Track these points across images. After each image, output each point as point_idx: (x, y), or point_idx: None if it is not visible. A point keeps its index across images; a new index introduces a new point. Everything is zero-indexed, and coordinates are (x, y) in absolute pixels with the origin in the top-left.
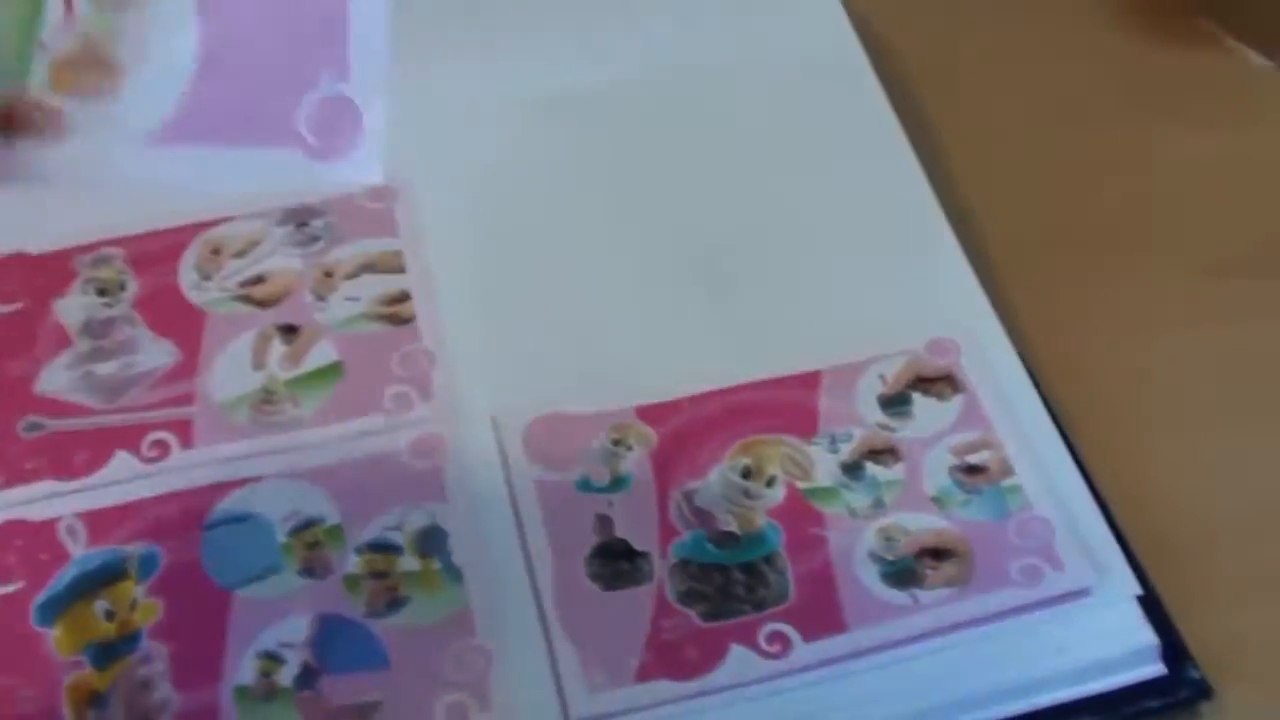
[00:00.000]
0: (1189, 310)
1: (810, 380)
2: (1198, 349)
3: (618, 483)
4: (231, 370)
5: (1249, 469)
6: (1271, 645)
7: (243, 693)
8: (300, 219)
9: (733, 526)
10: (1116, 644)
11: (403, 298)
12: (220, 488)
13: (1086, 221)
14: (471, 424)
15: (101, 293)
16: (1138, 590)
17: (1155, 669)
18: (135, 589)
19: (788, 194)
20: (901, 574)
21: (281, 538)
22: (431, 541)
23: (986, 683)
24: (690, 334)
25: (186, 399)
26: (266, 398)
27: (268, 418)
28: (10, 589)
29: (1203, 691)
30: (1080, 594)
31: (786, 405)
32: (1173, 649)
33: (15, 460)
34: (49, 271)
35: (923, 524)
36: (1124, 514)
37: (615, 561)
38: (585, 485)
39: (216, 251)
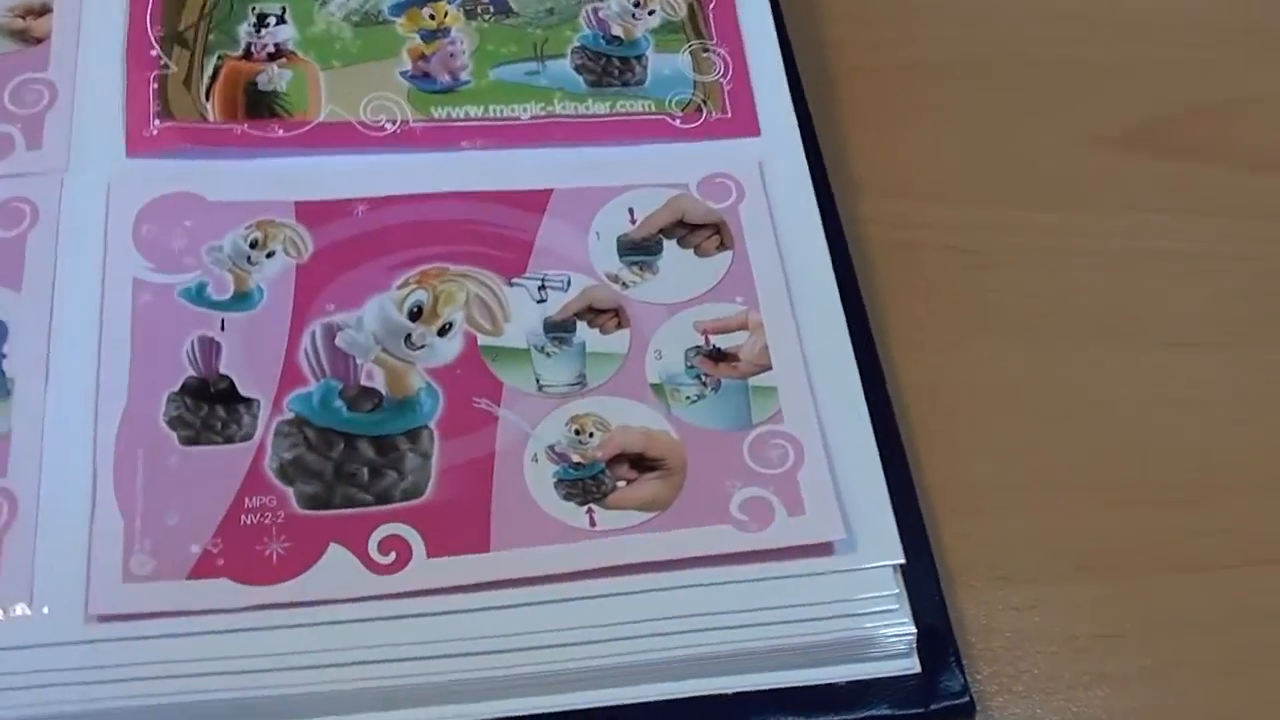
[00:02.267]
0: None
1: (533, 200)
2: None
3: (241, 299)
4: None
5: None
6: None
7: None
8: None
9: (378, 383)
10: (858, 625)
11: (42, 10)
12: None
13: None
14: (79, 192)
15: None
16: (899, 559)
17: (906, 665)
18: None
19: None
20: (584, 484)
21: None
22: None
23: (671, 649)
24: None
25: None
26: None
27: None
28: None
29: (964, 709)
30: (819, 550)
31: (493, 228)
32: (938, 642)
33: None
34: None
35: (630, 418)
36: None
37: (209, 406)
38: (197, 295)
39: None
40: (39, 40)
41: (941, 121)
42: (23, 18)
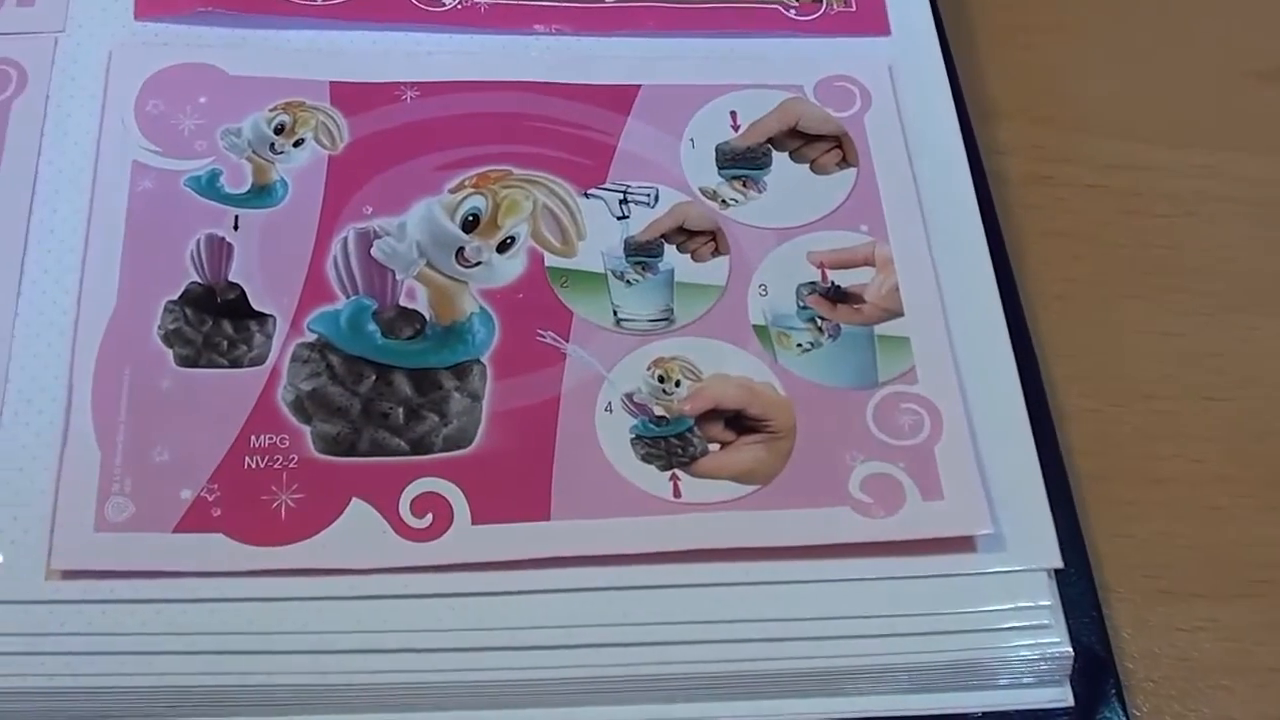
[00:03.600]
0: None
1: (617, 97)
2: None
3: (260, 193)
4: None
5: None
6: None
7: None
8: None
9: (420, 304)
10: (1002, 641)
11: None
12: None
13: None
14: (75, 57)
15: None
16: (1055, 562)
17: (1057, 695)
18: None
19: None
20: (668, 444)
21: None
22: None
23: (764, 658)
24: None
25: None
26: None
27: None
28: None
29: None
30: (958, 545)
31: (568, 127)
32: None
33: None
34: None
35: (728, 365)
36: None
37: (213, 320)
38: (207, 186)
39: None
40: None
41: (1087, 44)
42: None
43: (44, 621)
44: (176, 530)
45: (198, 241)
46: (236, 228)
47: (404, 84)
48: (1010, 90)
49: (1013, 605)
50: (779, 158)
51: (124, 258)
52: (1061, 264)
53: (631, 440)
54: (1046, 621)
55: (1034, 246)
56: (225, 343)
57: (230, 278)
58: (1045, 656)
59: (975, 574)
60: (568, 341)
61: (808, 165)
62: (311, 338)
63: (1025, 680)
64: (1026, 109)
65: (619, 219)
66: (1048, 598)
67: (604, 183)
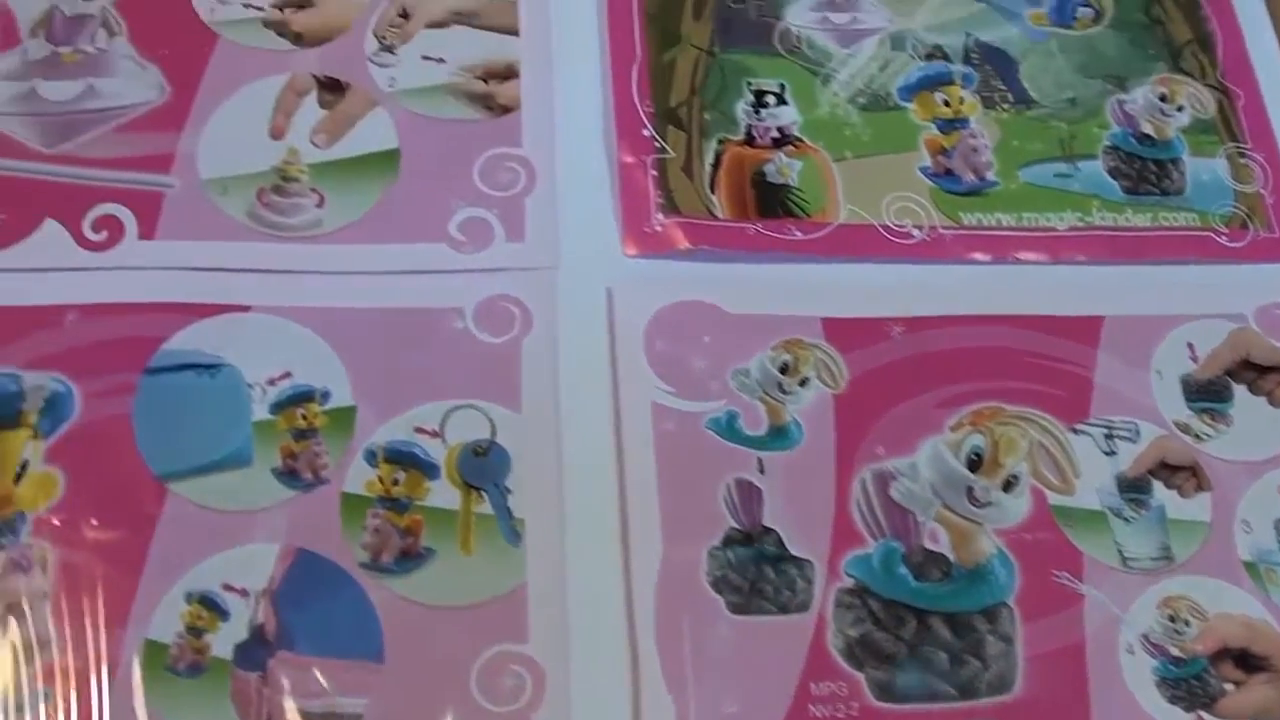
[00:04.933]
0: None
1: (1084, 329)
2: None
3: (778, 436)
4: (235, 131)
5: None
6: None
7: (154, 655)
8: None
9: (943, 545)
10: None
11: (507, 73)
12: (181, 311)
13: None
14: (576, 295)
15: None
16: None
17: None
18: (30, 445)
19: None
20: (1189, 685)
21: (259, 409)
22: (485, 467)
23: None
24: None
25: (162, 162)
26: (280, 183)
27: (275, 215)
28: None
29: None
30: None
31: (1045, 360)
32: None
33: None
34: None
35: (1226, 603)
36: None
37: (756, 566)
38: (728, 428)
39: None
40: (505, 109)
41: None
42: (484, 80)
43: None
44: None
45: (728, 485)
46: (762, 470)
47: (890, 319)
48: None
49: None
50: (1238, 389)
51: (661, 500)
52: None
53: (1155, 682)
54: None
55: None
56: (771, 588)
57: (765, 522)
58: None
59: None
60: (1083, 582)
61: (1265, 398)
62: (850, 583)
63: None
64: None
65: (1106, 454)
66: None
67: (1088, 418)
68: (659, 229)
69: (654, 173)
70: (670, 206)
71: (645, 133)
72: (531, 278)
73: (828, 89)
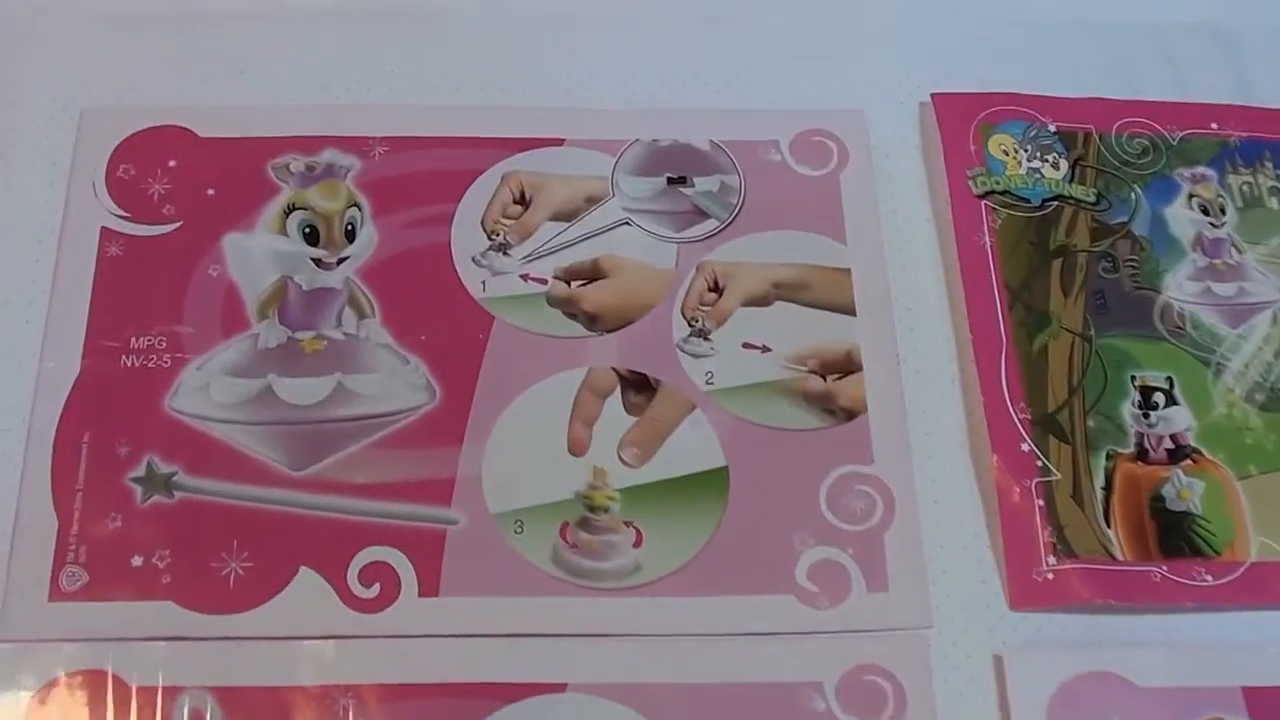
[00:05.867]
0: None
1: None
2: None
3: None
4: (526, 446)
5: None
6: None
7: None
8: (675, 168)
9: None
10: None
11: (847, 364)
12: (480, 694)
13: None
14: (950, 658)
15: (311, 236)
16: None
17: None
18: None
19: None
20: None
21: None
22: None
23: None
24: None
25: (441, 491)
26: (587, 515)
27: (585, 560)
28: None
29: None
30: None
31: None
32: None
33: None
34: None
35: None
36: None
37: None
38: None
39: (521, 198)
40: (850, 414)
41: None
42: (822, 375)
43: None
44: None
45: None
46: None
47: None
48: None
49: None
50: None
51: None
52: None
53: None
54: None
55: None
56: None
57: None
58: None
59: None
60: None
61: None
62: None
63: None
64: None
65: None
66: None
67: None
68: (1050, 576)
69: (1040, 501)
70: (1064, 547)
71: (1024, 447)
72: (899, 642)
73: (1220, 382)
